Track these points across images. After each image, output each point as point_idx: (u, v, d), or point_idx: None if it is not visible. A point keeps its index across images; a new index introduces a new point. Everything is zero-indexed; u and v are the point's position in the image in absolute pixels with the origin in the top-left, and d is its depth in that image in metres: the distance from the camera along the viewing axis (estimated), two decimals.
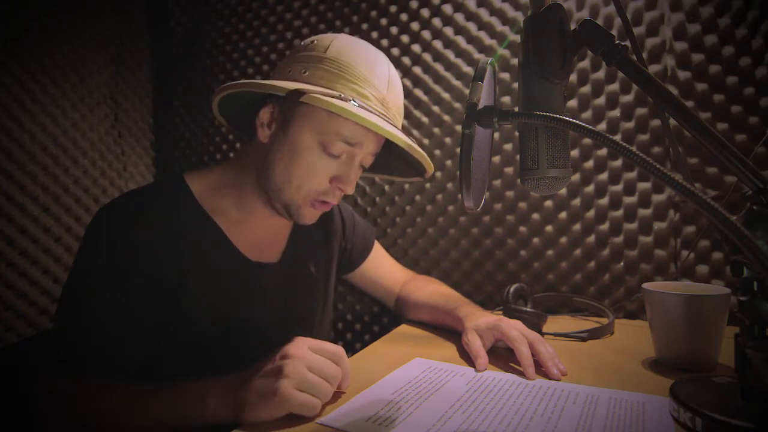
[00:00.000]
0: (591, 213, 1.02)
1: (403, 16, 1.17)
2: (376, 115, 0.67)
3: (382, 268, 1.03)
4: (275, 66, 0.74)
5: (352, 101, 0.65)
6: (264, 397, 0.53)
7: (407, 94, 1.17)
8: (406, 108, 1.17)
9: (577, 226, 1.03)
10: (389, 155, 0.84)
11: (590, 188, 1.02)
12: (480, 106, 0.46)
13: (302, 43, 0.75)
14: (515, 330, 0.72)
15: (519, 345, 0.69)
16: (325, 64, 0.69)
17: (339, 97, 0.65)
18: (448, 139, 1.14)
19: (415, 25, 1.16)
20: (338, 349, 0.59)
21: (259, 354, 0.60)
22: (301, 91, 0.63)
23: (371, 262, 1.02)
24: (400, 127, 0.74)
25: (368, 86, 0.69)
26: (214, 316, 0.70)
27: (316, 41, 0.73)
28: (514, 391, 0.62)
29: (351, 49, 0.71)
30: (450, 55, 1.13)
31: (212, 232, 0.72)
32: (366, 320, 1.23)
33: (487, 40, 1.09)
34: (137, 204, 0.69)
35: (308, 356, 0.56)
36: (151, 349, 0.66)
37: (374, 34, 1.20)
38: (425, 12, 1.15)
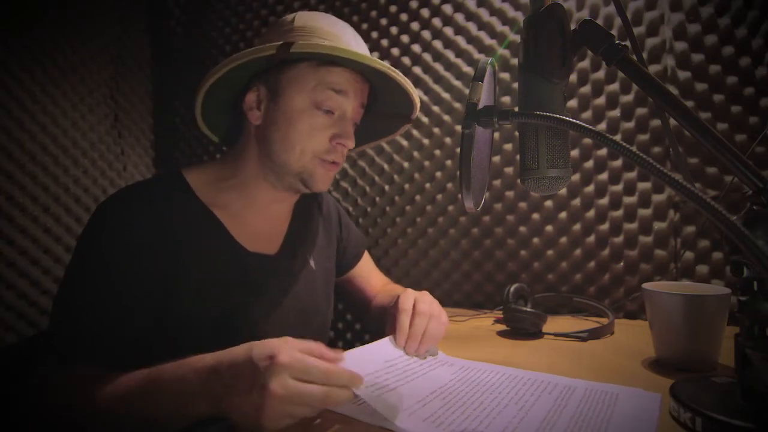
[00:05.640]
0: (591, 213, 1.02)
1: (403, 16, 1.17)
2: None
3: (367, 279, 1.03)
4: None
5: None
6: None
7: None
8: None
9: (577, 226, 1.03)
10: (373, 117, 0.86)
11: (590, 188, 1.02)
12: (480, 106, 0.46)
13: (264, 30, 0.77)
14: (411, 305, 0.74)
15: (403, 316, 0.72)
16: (295, 32, 0.72)
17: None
18: (448, 139, 1.14)
19: (415, 25, 1.16)
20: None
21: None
22: (288, 43, 0.65)
23: (361, 268, 1.02)
24: None
25: (339, 42, 0.71)
26: (211, 307, 0.70)
27: (278, 21, 0.76)
28: (496, 382, 0.64)
29: (314, 18, 0.74)
30: (450, 55, 1.13)
31: (211, 224, 0.73)
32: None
33: (487, 40, 1.09)
34: (136, 198, 0.70)
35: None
36: (147, 340, 0.66)
37: (374, 34, 1.20)
38: (425, 12, 1.15)
